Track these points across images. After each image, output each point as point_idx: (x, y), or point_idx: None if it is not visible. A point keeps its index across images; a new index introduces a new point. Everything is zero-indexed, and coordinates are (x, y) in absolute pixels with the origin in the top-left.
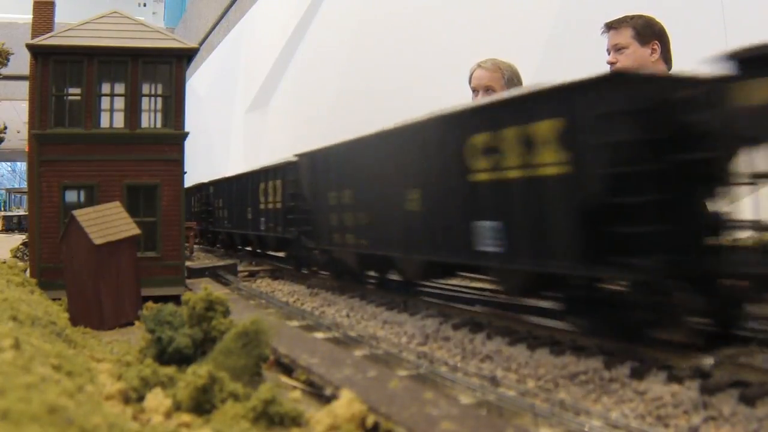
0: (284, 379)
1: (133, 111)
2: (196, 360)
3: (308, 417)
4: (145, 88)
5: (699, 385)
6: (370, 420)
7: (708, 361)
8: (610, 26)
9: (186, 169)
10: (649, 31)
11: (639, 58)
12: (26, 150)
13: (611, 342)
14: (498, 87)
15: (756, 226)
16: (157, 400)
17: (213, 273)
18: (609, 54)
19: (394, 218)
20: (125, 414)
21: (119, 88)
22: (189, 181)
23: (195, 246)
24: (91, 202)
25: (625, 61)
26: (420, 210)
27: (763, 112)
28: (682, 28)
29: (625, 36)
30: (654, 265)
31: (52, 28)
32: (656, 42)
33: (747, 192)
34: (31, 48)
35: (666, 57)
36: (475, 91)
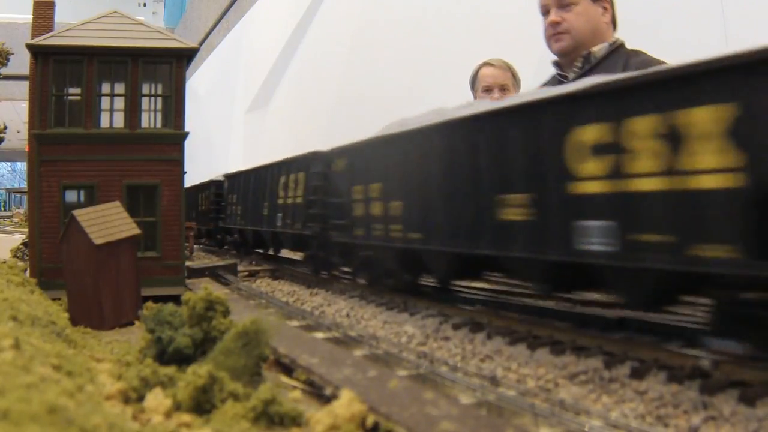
0: (284, 379)
1: (133, 111)
2: (196, 360)
3: (308, 417)
4: (145, 88)
5: (699, 385)
6: (370, 420)
7: (705, 361)
8: None
9: (186, 169)
10: None
11: (591, 17)
12: (26, 150)
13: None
14: (510, 86)
15: None
16: (157, 400)
17: (213, 273)
18: (545, 14)
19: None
20: (125, 414)
21: (119, 88)
22: (189, 180)
23: (195, 246)
24: (91, 202)
25: (575, 22)
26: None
27: None
28: (682, 28)
29: None
30: None
31: (52, 28)
32: (608, 0)
33: None
34: (31, 48)
35: (614, 21)
36: (488, 90)
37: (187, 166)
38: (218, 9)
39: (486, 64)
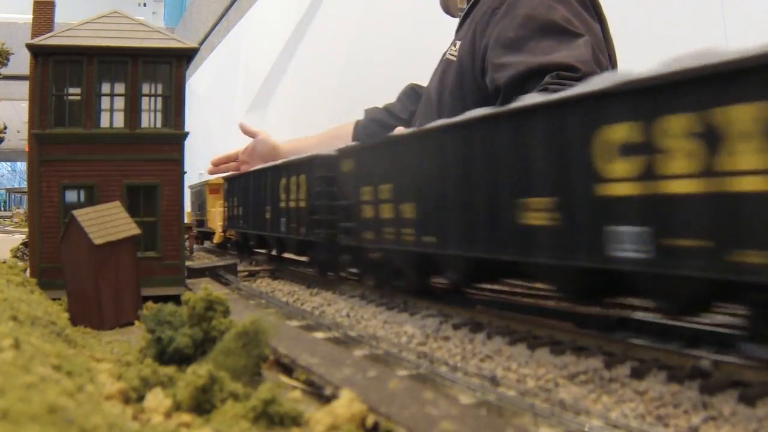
0: (284, 378)
1: (133, 111)
2: (196, 360)
3: (308, 417)
4: (145, 88)
5: (699, 385)
6: (370, 420)
7: (705, 361)
8: None
9: (186, 169)
10: None
11: None
12: (26, 150)
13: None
14: None
15: None
16: (157, 400)
17: (213, 273)
18: None
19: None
20: (125, 414)
21: (119, 88)
22: (187, 180)
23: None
24: (91, 202)
25: None
26: None
27: None
28: (682, 29)
29: None
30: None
31: (52, 28)
32: None
33: None
34: (31, 48)
35: None
36: None
37: (187, 166)
38: (218, 9)
39: None
